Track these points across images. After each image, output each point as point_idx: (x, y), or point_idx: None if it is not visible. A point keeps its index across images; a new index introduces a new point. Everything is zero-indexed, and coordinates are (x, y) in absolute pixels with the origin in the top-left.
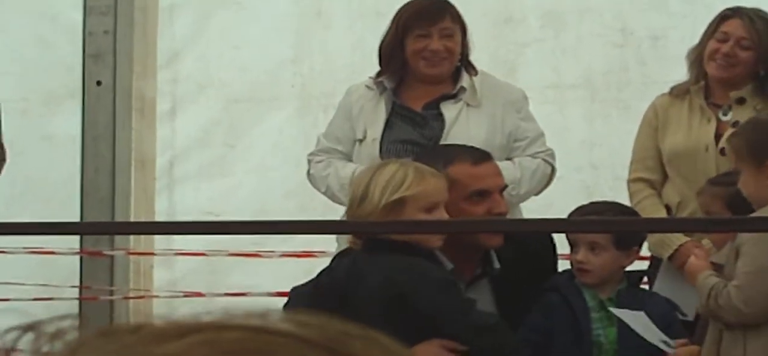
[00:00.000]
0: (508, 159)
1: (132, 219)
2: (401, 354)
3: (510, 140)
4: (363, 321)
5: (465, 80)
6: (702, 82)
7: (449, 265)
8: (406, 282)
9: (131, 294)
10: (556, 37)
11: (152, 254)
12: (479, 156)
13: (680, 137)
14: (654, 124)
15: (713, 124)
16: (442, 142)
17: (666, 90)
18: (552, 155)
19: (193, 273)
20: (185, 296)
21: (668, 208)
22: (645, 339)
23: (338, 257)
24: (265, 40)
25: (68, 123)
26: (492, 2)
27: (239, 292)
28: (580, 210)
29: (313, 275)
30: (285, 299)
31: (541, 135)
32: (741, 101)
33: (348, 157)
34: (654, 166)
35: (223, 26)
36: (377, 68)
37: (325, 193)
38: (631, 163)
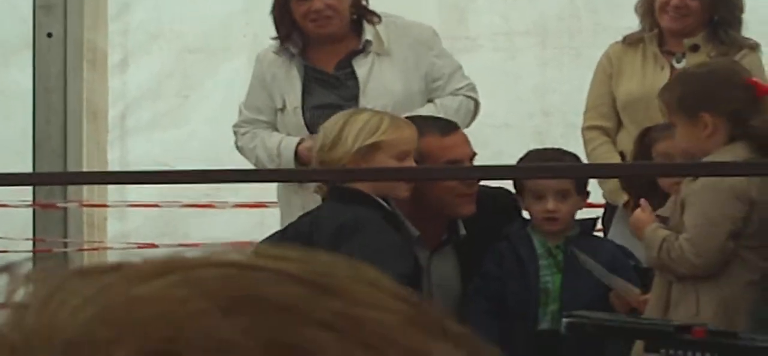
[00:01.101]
0: (430, 101)
1: (84, 170)
2: (389, 288)
3: (427, 81)
4: None
5: (369, 31)
6: (655, 30)
7: (415, 232)
8: (350, 237)
9: (85, 246)
10: None
11: (105, 206)
12: (447, 127)
13: (634, 84)
14: (608, 72)
15: (667, 72)
16: (360, 100)
17: (617, 37)
18: (473, 88)
19: (146, 225)
20: (139, 247)
21: (622, 155)
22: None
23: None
24: None
25: (20, 75)
26: None
27: (193, 243)
28: (530, 156)
29: (266, 225)
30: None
31: (458, 68)
32: (694, 48)
33: (272, 126)
34: (608, 113)
35: None
36: None
37: (255, 164)
38: (585, 110)
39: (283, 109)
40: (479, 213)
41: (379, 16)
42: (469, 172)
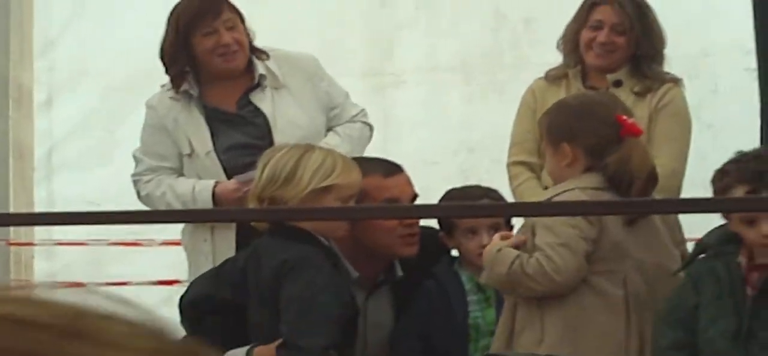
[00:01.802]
0: (329, 129)
1: (11, 210)
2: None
3: (327, 110)
4: (259, 304)
5: (261, 67)
6: (579, 66)
7: (354, 273)
8: (290, 274)
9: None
10: (431, 19)
11: (32, 245)
12: (390, 168)
13: None
14: (532, 107)
15: None
16: (273, 135)
17: (540, 72)
18: (365, 114)
19: (74, 263)
20: (66, 286)
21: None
22: None
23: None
24: (141, 27)
25: None
26: None
27: (120, 281)
28: (451, 194)
29: (192, 264)
30: (166, 287)
31: (347, 94)
32: (618, 84)
33: (177, 172)
34: (533, 148)
35: (99, 13)
36: None
37: None
38: (510, 146)
39: (190, 154)
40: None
41: (266, 54)
42: (404, 211)
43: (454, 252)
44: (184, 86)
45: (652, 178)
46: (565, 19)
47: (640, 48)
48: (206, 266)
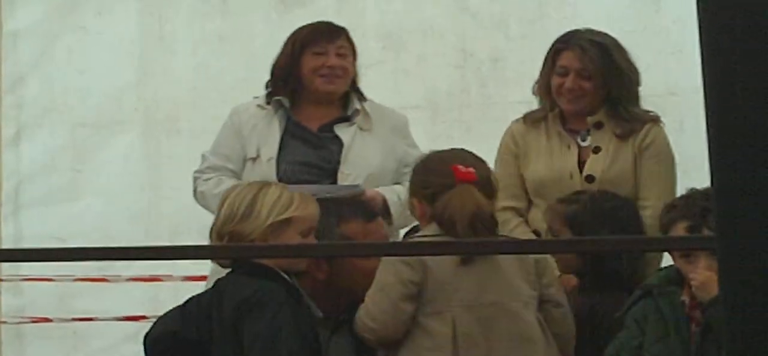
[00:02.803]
0: (396, 182)
1: None
2: None
3: (400, 165)
4: (222, 341)
5: (356, 104)
6: (557, 109)
7: (318, 313)
8: (252, 311)
9: None
10: (397, 58)
11: None
12: (369, 214)
13: (542, 165)
14: (514, 151)
15: (575, 150)
16: (340, 165)
17: (507, 111)
18: None
19: (40, 299)
20: (33, 322)
21: (537, 234)
22: None
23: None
24: (109, 65)
25: None
26: None
27: (87, 317)
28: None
29: (159, 299)
30: (132, 323)
31: None
32: (598, 125)
33: (237, 176)
34: (519, 193)
35: (67, 51)
36: (222, 92)
37: (213, 211)
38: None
39: (255, 159)
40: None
41: (364, 96)
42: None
43: None
44: (278, 97)
45: (480, 219)
46: (532, 58)
47: (611, 90)
48: None
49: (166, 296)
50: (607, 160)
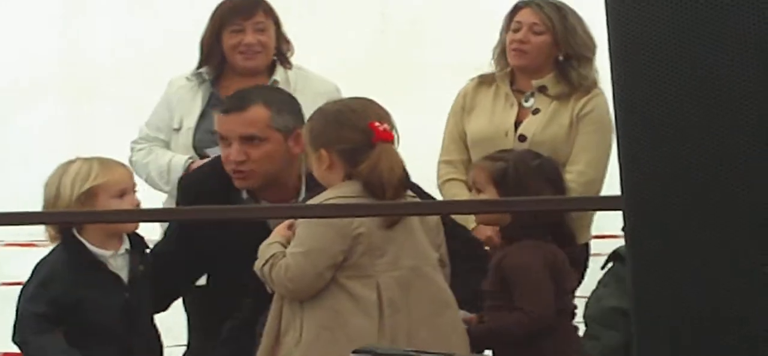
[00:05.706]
0: None
1: None
2: None
3: None
4: None
5: (279, 73)
6: (508, 69)
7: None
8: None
9: None
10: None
11: None
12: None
13: (482, 122)
14: (462, 107)
15: (515, 110)
16: None
17: (425, 74)
18: None
19: None
20: None
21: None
22: None
23: None
24: (20, 38)
25: None
26: None
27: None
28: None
29: None
30: None
31: None
32: (542, 89)
33: (168, 146)
34: (459, 148)
35: None
36: (145, 56)
37: (145, 180)
38: (442, 146)
39: (178, 129)
40: None
41: (290, 64)
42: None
43: None
44: (201, 70)
45: (405, 182)
46: (454, 20)
47: (561, 50)
48: None
49: None
50: (543, 122)
